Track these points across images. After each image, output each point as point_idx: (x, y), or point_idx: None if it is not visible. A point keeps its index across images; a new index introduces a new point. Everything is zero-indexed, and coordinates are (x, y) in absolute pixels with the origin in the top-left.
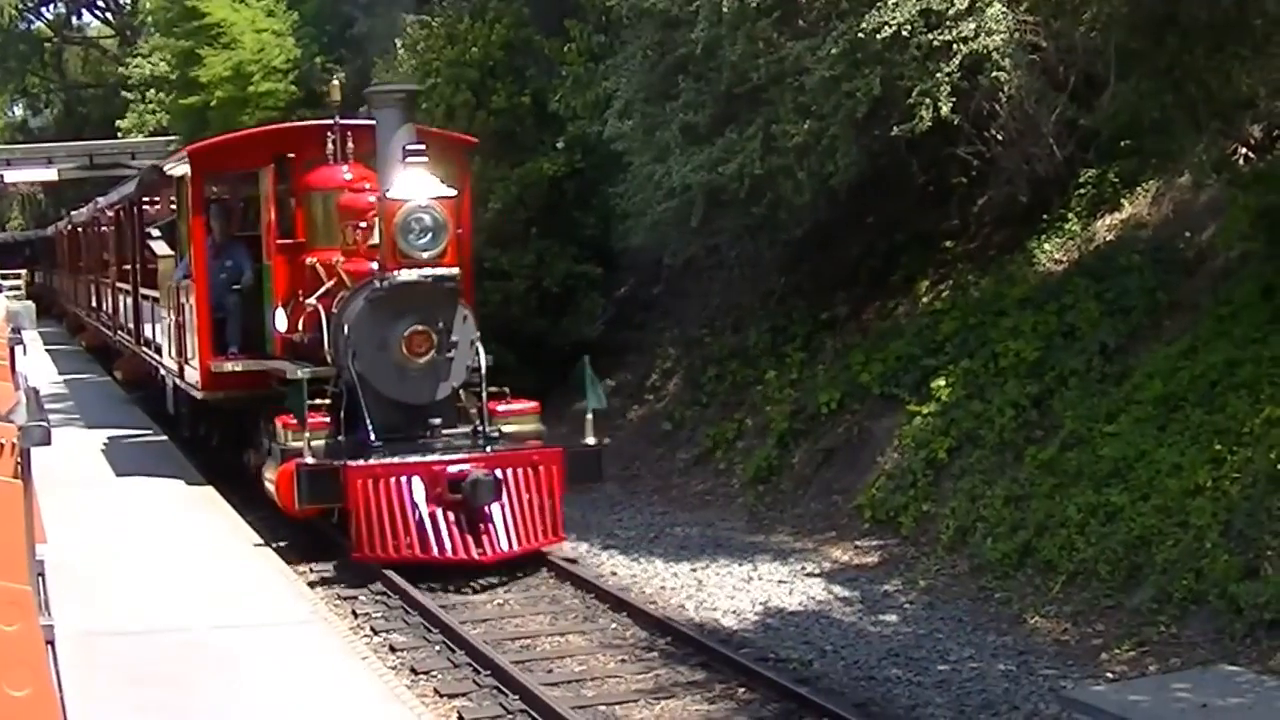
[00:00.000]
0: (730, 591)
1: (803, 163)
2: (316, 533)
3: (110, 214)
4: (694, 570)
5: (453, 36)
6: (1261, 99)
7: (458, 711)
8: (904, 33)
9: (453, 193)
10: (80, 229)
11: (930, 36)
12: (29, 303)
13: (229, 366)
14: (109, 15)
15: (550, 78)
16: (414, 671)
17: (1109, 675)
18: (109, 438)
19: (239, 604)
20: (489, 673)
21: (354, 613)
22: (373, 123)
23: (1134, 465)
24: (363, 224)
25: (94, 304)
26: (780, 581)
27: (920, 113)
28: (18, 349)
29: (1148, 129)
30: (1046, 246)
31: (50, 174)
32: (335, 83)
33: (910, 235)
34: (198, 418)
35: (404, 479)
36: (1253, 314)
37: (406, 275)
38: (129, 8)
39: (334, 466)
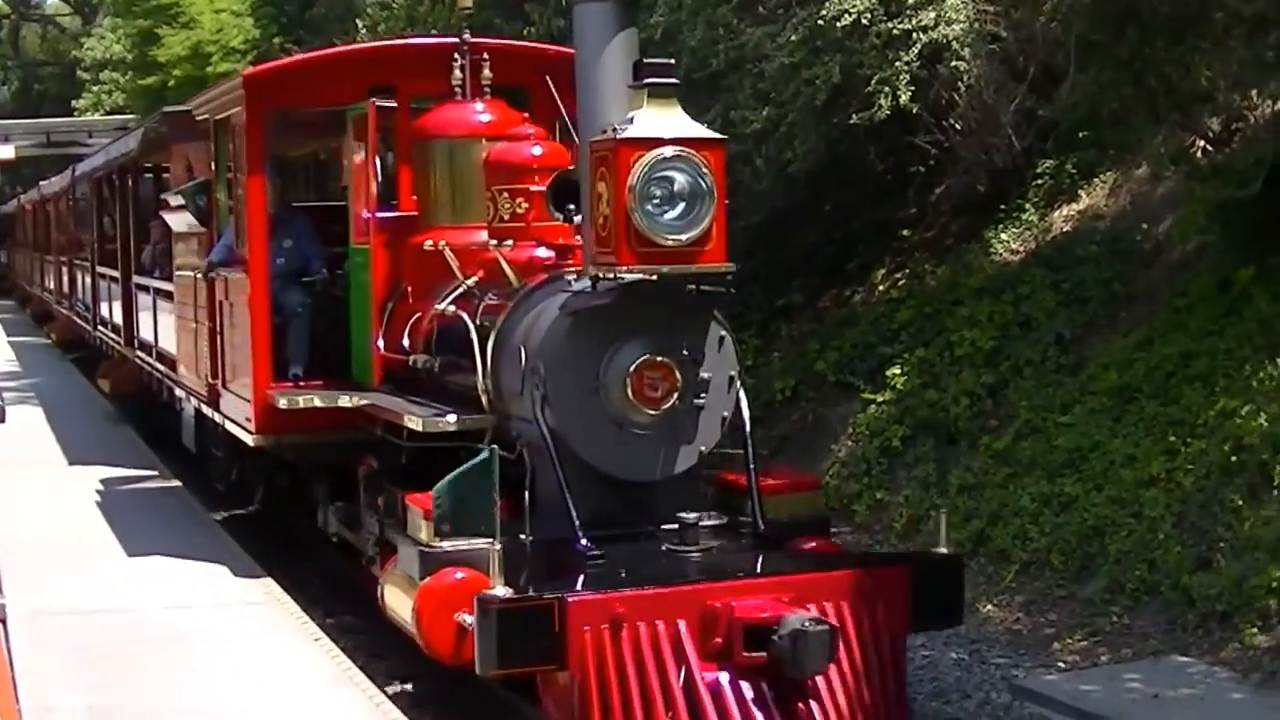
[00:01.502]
0: None
1: (761, 149)
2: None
3: (91, 183)
4: None
5: (413, 18)
6: (1220, 92)
7: (410, 694)
8: (864, 20)
9: (720, 136)
10: (51, 202)
11: (890, 25)
12: None
13: (300, 401)
14: None
15: None
16: (367, 653)
17: (1061, 665)
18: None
19: (192, 584)
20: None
21: None
22: (518, 44)
23: (1088, 455)
24: (532, 187)
25: (66, 290)
26: None
27: (879, 101)
28: None
29: (1106, 120)
30: (1003, 236)
31: (7, 151)
32: None
33: (867, 223)
34: (232, 461)
35: (662, 625)
36: (1209, 306)
37: (639, 272)
38: None
39: (544, 602)
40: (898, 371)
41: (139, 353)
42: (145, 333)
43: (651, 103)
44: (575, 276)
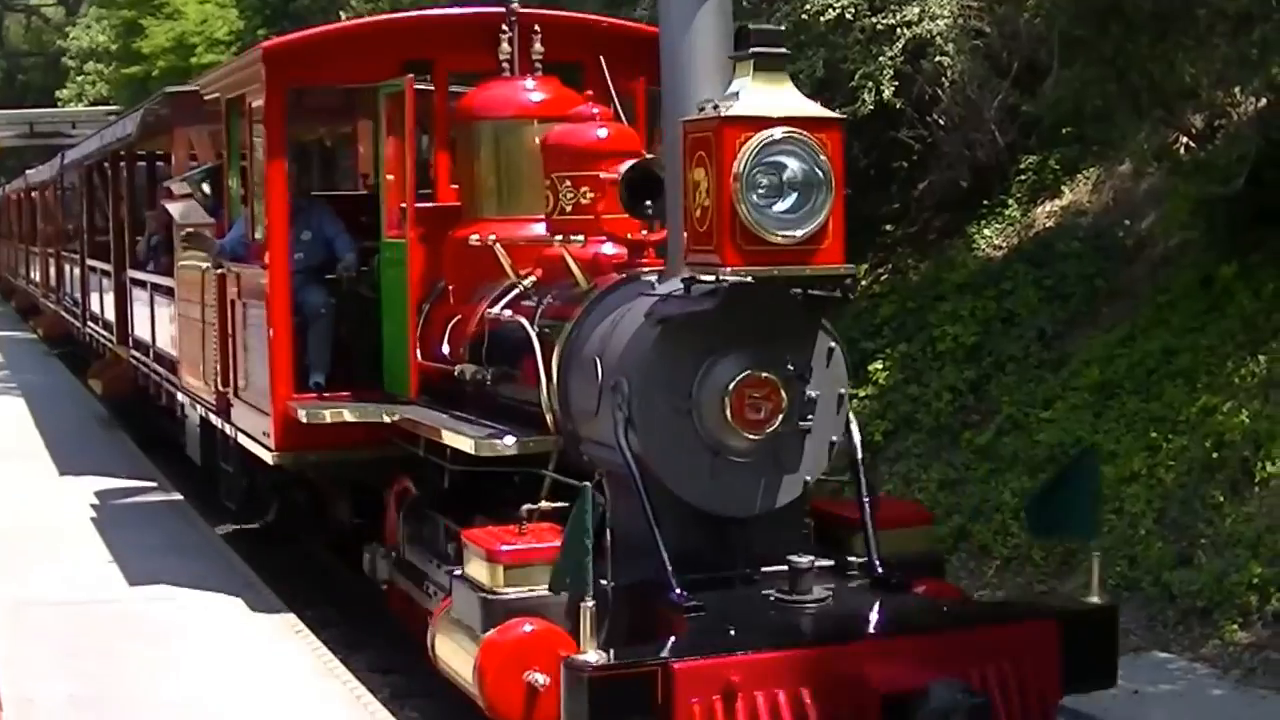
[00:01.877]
0: None
1: None
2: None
3: (81, 171)
4: None
5: (398, 10)
6: (1203, 89)
7: (390, 686)
8: (847, 15)
9: (838, 116)
10: (37, 191)
11: (874, 19)
12: None
13: (327, 415)
14: None
15: None
16: (348, 647)
17: None
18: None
19: (175, 577)
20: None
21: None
22: (573, 16)
23: (1070, 451)
24: (601, 174)
25: (53, 283)
26: None
27: (863, 96)
28: None
29: (1089, 116)
30: (986, 232)
31: None
32: None
33: (851, 218)
34: (244, 476)
35: (782, 695)
36: (1191, 303)
37: (744, 273)
38: None
39: (646, 669)
40: (880, 367)
41: (134, 352)
42: (141, 331)
43: (758, 76)
44: (657, 277)
